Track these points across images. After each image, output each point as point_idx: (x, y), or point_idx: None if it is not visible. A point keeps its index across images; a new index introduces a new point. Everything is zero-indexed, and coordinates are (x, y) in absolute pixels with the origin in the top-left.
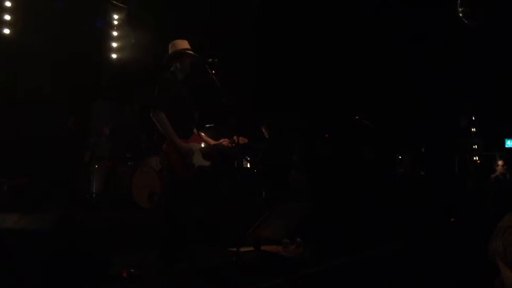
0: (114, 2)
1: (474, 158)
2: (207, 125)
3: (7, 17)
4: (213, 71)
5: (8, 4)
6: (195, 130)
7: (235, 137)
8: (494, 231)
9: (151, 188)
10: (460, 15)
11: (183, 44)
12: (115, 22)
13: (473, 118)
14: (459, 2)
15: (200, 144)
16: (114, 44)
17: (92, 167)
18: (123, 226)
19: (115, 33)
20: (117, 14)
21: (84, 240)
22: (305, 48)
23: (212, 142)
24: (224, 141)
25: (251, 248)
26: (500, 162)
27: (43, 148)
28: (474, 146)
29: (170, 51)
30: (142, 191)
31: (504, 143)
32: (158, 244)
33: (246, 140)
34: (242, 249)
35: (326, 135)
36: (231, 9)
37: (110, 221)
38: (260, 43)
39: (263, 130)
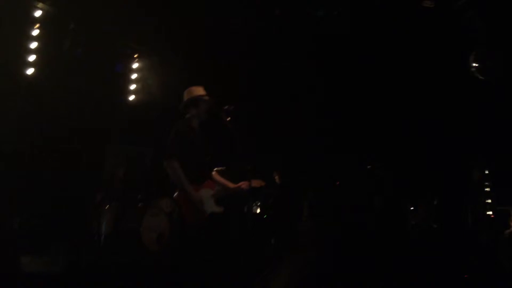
0: (135, 46)
1: (488, 213)
2: (218, 168)
3: (31, 58)
4: (228, 118)
5: (32, 46)
6: (209, 176)
7: (245, 182)
8: None
9: (160, 231)
10: (473, 70)
11: (199, 90)
12: (135, 66)
13: (486, 172)
14: (472, 56)
15: (213, 189)
16: (132, 87)
17: (102, 208)
18: (131, 270)
19: (133, 76)
20: (137, 58)
21: (92, 285)
22: (319, 95)
23: (231, 185)
24: (243, 184)
25: None
26: None
27: (54, 186)
28: (487, 201)
29: (185, 98)
30: (150, 233)
31: None
32: None
33: (263, 183)
34: None
35: (337, 183)
36: (248, 58)
37: (118, 264)
38: (273, 90)
39: (275, 177)
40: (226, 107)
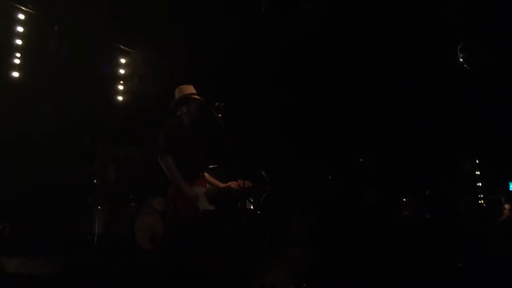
0: (122, 47)
1: (480, 202)
2: (210, 166)
3: (17, 61)
4: (219, 115)
5: (17, 47)
6: (201, 174)
7: (240, 181)
8: None
9: (153, 230)
10: (461, 60)
11: (189, 89)
12: (123, 65)
13: (477, 161)
14: (459, 48)
15: (205, 187)
16: (121, 87)
17: (94, 209)
18: (124, 270)
19: (122, 76)
20: (124, 58)
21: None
22: (308, 89)
23: (220, 184)
24: (233, 184)
25: None
26: (507, 206)
27: (47, 191)
28: (478, 189)
29: (176, 96)
30: (144, 233)
31: (508, 186)
32: None
33: (250, 184)
34: None
35: (330, 177)
36: (237, 56)
37: (111, 264)
38: (264, 88)
39: (263, 174)
40: (216, 104)
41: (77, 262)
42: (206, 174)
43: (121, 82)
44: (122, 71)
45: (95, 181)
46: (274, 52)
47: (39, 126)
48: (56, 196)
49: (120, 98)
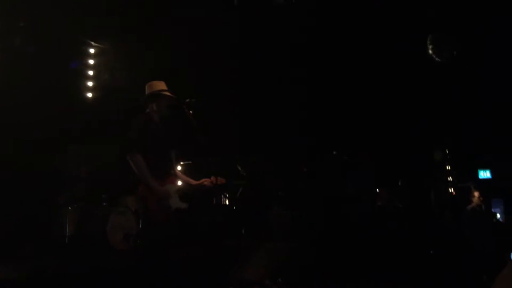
0: (91, 42)
1: (450, 190)
2: (183, 162)
3: None
4: (191, 111)
5: None
6: (172, 171)
7: (213, 178)
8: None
9: (126, 229)
10: (430, 52)
11: (160, 85)
12: (92, 62)
13: (447, 151)
14: (428, 40)
15: (177, 185)
16: (90, 84)
17: (66, 209)
18: (97, 270)
19: (91, 73)
20: (93, 54)
21: None
22: (283, 84)
23: (193, 182)
24: (206, 181)
25: None
26: (476, 194)
27: (15, 189)
28: (449, 178)
29: (146, 92)
30: (117, 232)
31: (477, 174)
32: None
33: (224, 181)
34: None
35: (304, 169)
36: (209, 52)
37: (84, 264)
38: (237, 82)
39: (239, 168)
40: (187, 100)
41: (48, 265)
42: (178, 172)
43: (91, 78)
44: (91, 67)
45: (65, 181)
46: (247, 45)
47: (6, 125)
48: (25, 197)
49: (89, 95)
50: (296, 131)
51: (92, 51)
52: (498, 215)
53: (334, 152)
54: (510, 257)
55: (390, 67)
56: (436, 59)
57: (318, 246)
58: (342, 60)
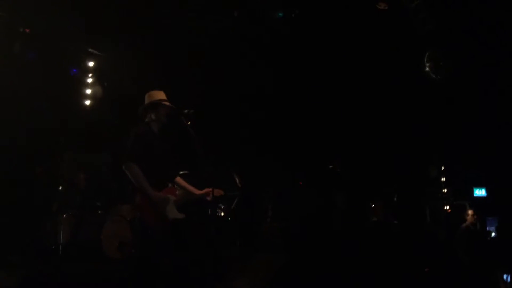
0: (90, 50)
1: (445, 208)
2: (181, 172)
3: None
4: (189, 122)
5: None
6: (170, 181)
7: (209, 189)
8: None
9: (121, 238)
10: (427, 69)
11: (159, 95)
12: (90, 67)
13: (442, 168)
14: (426, 57)
15: (174, 196)
16: (88, 91)
17: (60, 217)
18: (91, 279)
19: (89, 80)
20: (92, 61)
21: None
22: (275, 95)
23: (196, 191)
24: (209, 191)
25: None
26: (470, 212)
27: (9, 196)
28: (444, 196)
29: (146, 102)
30: (111, 241)
31: (472, 192)
32: None
33: (222, 192)
34: None
35: (300, 183)
36: (208, 62)
37: (77, 274)
38: (234, 93)
39: (235, 179)
40: (186, 111)
41: (40, 273)
42: (182, 181)
43: (89, 86)
44: (90, 75)
45: (60, 188)
46: (245, 58)
47: (2, 132)
48: (19, 204)
49: (87, 102)
50: (293, 144)
51: (91, 64)
52: (493, 234)
53: (330, 166)
54: (503, 277)
55: (387, 82)
56: (434, 76)
57: (310, 259)
58: (336, 72)
